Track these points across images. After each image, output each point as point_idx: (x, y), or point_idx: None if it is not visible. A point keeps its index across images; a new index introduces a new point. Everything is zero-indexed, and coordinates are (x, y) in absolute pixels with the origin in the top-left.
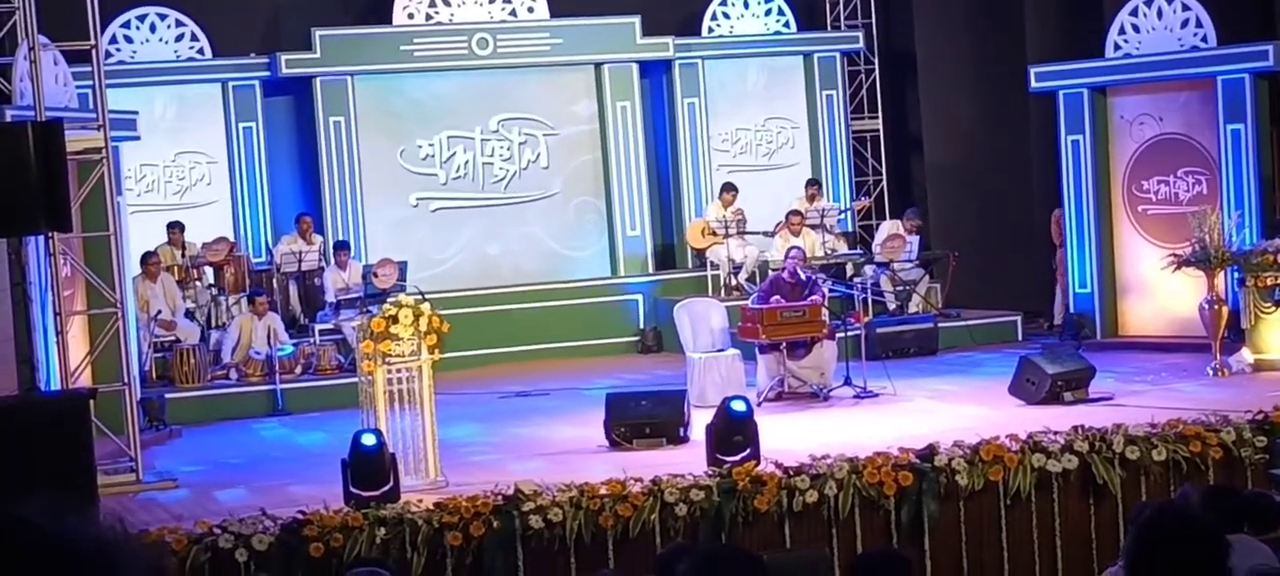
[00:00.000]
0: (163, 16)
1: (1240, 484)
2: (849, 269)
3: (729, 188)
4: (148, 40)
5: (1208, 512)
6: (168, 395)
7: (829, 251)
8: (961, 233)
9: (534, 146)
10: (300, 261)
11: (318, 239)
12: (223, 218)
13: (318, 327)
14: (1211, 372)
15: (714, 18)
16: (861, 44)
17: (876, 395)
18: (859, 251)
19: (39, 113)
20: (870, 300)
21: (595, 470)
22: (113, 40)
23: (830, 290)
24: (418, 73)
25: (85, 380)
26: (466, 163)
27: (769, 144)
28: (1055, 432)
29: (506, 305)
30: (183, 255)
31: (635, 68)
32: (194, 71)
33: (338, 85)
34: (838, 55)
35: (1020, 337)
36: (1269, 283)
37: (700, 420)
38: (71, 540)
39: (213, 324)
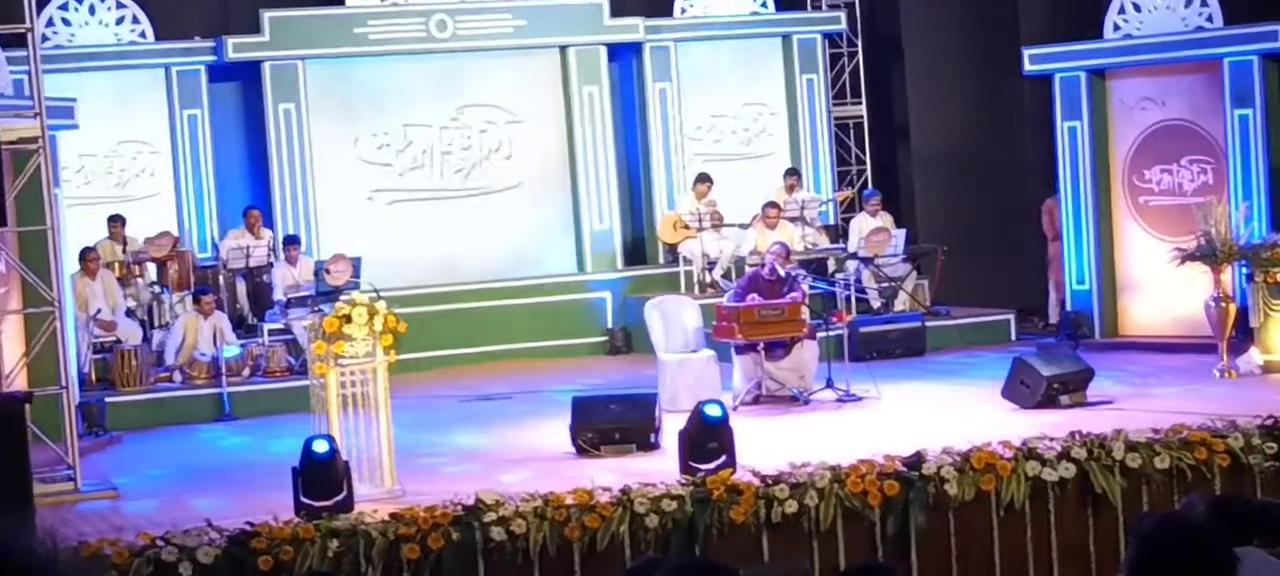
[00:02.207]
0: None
1: (1249, 493)
2: (830, 264)
3: (703, 178)
4: (87, 23)
5: (1214, 524)
6: (108, 399)
7: (809, 246)
8: (950, 226)
9: (496, 135)
10: (248, 257)
11: (267, 233)
12: (166, 211)
13: (266, 327)
14: (1218, 374)
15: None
16: (844, 25)
17: (860, 399)
18: (841, 246)
19: None
20: (853, 298)
21: (561, 478)
22: (50, 23)
23: (810, 287)
24: (373, 57)
25: (20, 383)
26: (424, 152)
27: (745, 132)
28: (1051, 439)
29: (467, 303)
30: (124, 250)
31: (603, 51)
32: (136, 56)
33: (288, 70)
34: (819, 37)
35: (1014, 337)
36: (1278, 278)
37: (672, 425)
38: (7, 546)
39: (155, 323)
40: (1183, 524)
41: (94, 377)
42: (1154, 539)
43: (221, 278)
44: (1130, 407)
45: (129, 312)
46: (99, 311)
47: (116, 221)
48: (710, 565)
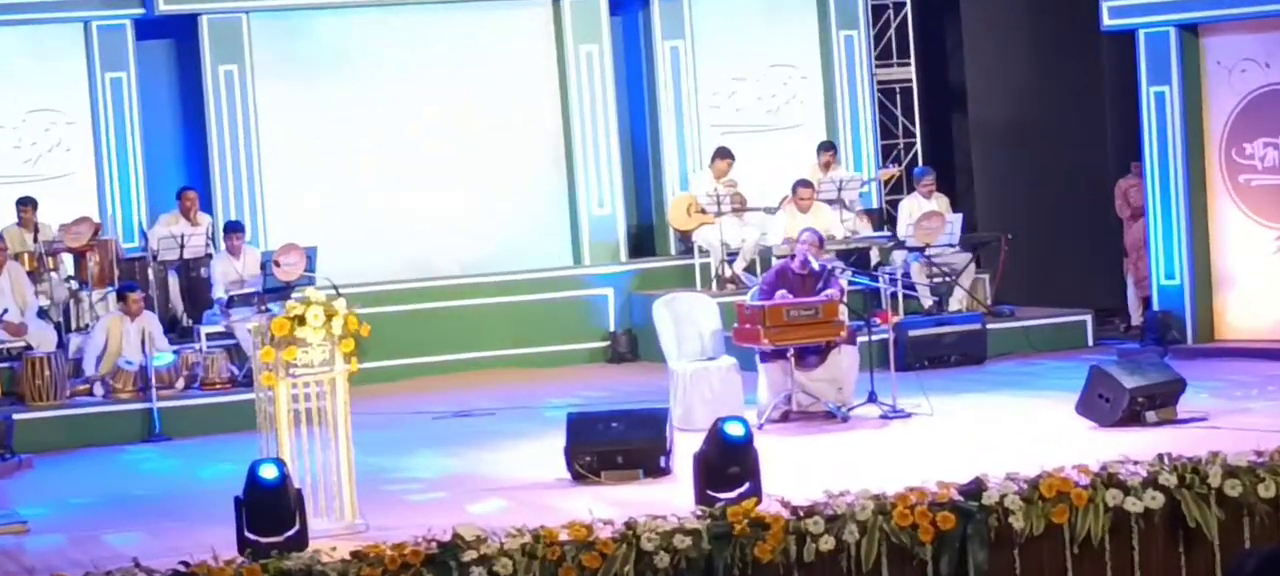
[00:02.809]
0: None
1: None
2: (874, 255)
3: (723, 153)
4: None
5: None
6: (15, 416)
7: (848, 233)
8: (1016, 210)
9: (477, 102)
10: (183, 247)
11: (205, 219)
12: (86, 193)
13: (204, 331)
14: None
15: None
16: None
17: (909, 415)
18: (886, 233)
19: None
20: (901, 295)
21: (554, 510)
22: None
23: (850, 282)
24: (330, 10)
25: None
26: (392, 124)
27: (773, 98)
28: (1135, 462)
29: (442, 303)
30: (35, 240)
31: (604, 3)
32: (49, 8)
33: (230, 26)
34: None
35: (1091, 343)
36: None
37: (686, 447)
38: None
39: (72, 326)
40: None
41: (1, 389)
42: None
43: (151, 271)
44: (1229, 426)
45: (41, 313)
46: (5, 312)
47: (26, 205)
48: None
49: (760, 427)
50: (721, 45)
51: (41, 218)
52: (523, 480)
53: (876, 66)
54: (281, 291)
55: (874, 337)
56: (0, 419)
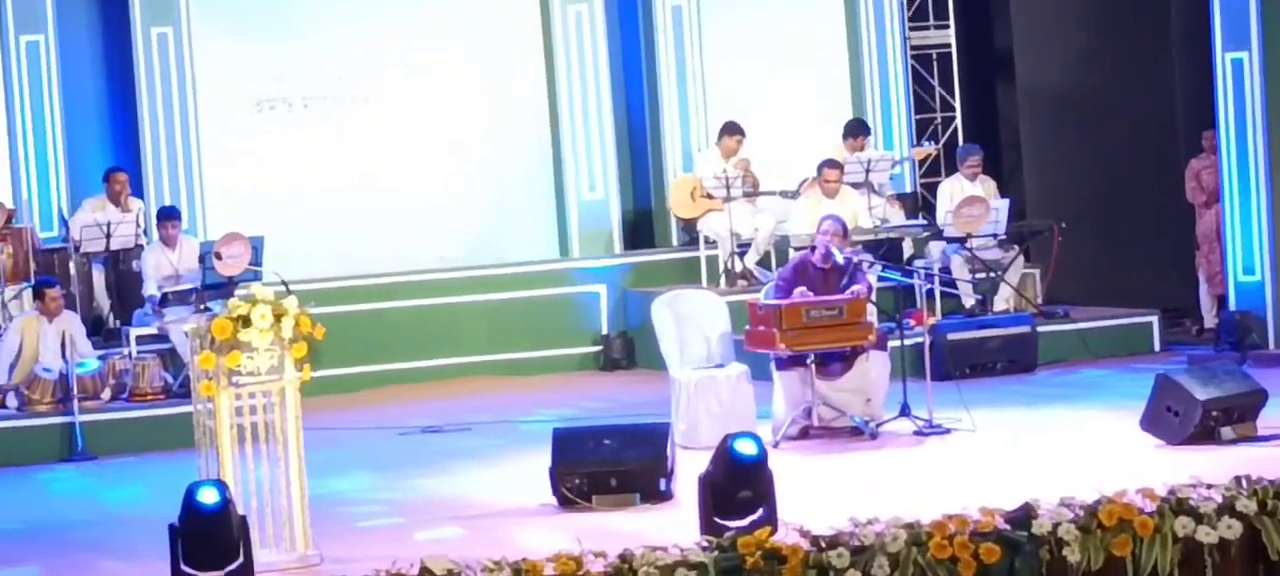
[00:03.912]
0: None
1: None
2: (907, 247)
3: (732, 129)
4: None
5: None
6: None
7: (878, 221)
8: (1071, 195)
9: (449, 70)
10: (109, 237)
11: (135, 204)
12: None
13: (134, 333)
14: None
15: None
16: None
17: (947, 431)
18: (921, 222)
19: None
20: (938, 293)
21: (538, 539)
22: None
23: (880, 278)
24: None
25: None
26: (352, 97)
27: (791, 66)
28: (1209, 486)
29: (409, 301)
30: None
31: None
32: None
33: None
34: None
35: (1157, 347)
36: None
37: (690, 467)
38: None
39: None
40: None
41: None
42: None
43: (73, 265)
44: None
45: None
46: None
47: None
48: None
49: (776, 445)
50: (731, 6)
51: None
52: (502, 505)
53: (910, 29)
54: (223, 288)
55: (907, 342)
56: None
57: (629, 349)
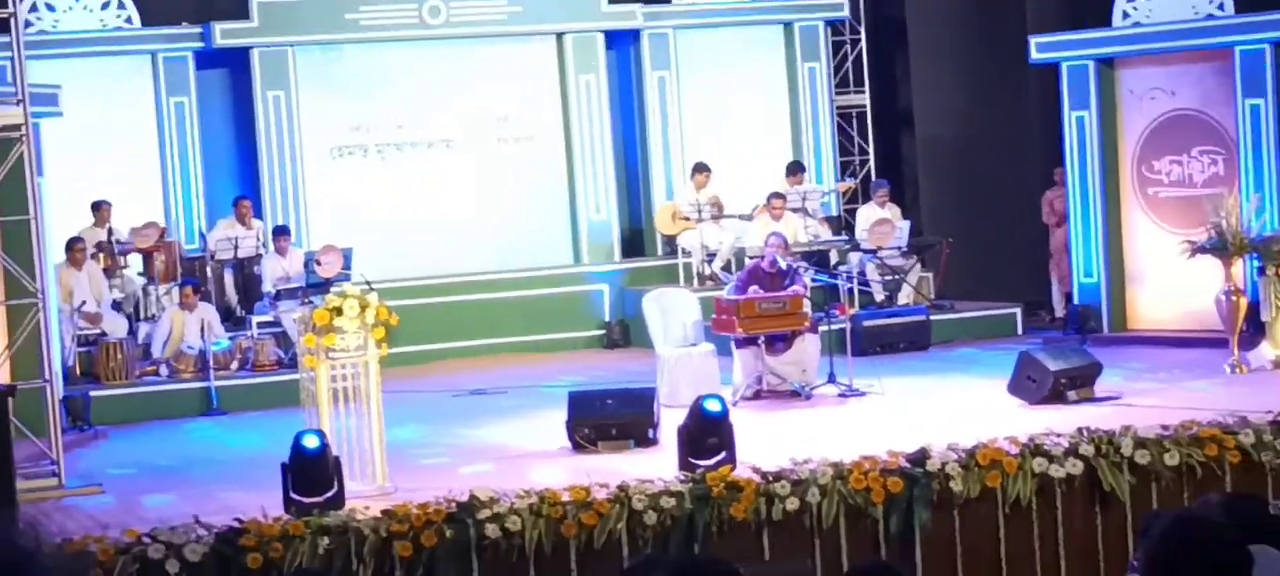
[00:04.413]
0: None
1: (1260, 491)
2: (833, 256)
3: (701, 168)
4: (71, 8)
5: (1229, 523)
6: (92, 393)
7: (812, 237)
8: (956, 218)
9: (490, 122)
10: (237, 248)
11: (256, 224)
12: (153, 201)
13: (255, 320)
14: (1229, 370)
15: None
16: (847, 11)
17: (863, 394)
18: (844, 237)
19: None
20: (856, 290)
21: (557, 475)
22: (33, 9)
23: (813, 280)
24: (364, 43)
25: (3, 376)
26: (417, 142)
27: (746, 120)
28: (1058, 435)
29: (460, 295)
30: (109, 237)
31: (600, 38)
32: (121, 42)
33: (277, 56)
34: (821, 23)
35: (1020, 332)
36: None
37: (671, 421)
38: None
39: (141, 315)
40: (1198, 522)
41: (78, 371)
42: (1171, 536)
43: (209, 269)
44: (1139, 403)
45: (115, 304)
46: (84, 303)
47: (100, 206)
48: (711, 563)
49: (735, 404)
50: (702, 75)
51: (114, 222)
52: (530, 449)
53: (836, 93)
54: (322, 286)
55: (833, 327)
56: (78, 396)
57: (625, 332)
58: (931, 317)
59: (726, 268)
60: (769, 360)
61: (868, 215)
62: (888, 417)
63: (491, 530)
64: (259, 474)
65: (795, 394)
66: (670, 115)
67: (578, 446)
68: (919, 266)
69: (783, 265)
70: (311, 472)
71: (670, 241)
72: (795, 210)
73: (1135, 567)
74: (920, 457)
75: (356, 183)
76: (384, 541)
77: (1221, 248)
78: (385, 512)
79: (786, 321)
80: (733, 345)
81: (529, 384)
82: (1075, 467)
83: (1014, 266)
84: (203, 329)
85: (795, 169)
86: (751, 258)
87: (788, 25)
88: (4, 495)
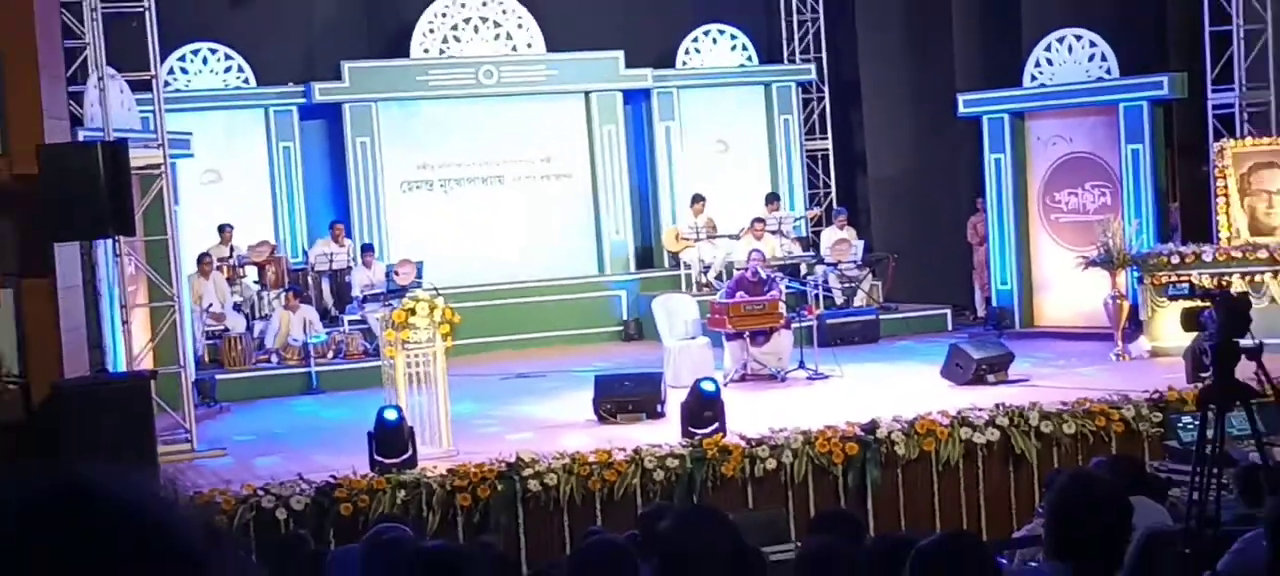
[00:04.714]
0: (213, 51)
1: (1139, 454)
2: (803, 268)
3: (698, 199)
4: (200, 71)
5: (1114, 478)
6: (218, 376)
7: (786, 253)
8: (899, 237)
9: (532, 163)
10: (331, 261)
11: (347, 242)
12: (265, 224)
13: (346, 318)
14: (1114, 358)
15: (687, 52)
16: (814, 75)
17: (827, 377)
18: (811, 254)
19: (107, 133)
20: (821, 295)
21: (585, 441)
22: (170, 71)
23: (786, 287)
24: (433, 99)
25: (147, 363)
26: (475, 177)
27: (734, 161)
28: (980, 409)
29: (509, 299)
30: (231, 253)
31: (619, 96)
32: (240, 98)
33: (363, 110)
34: (793, 85)
35: (950, 327)
36: (1163, 281)
37: (675, 398)
38: (135, 496)
39: (256, 315)
40: (1090, 478)
41: (206, 359)
42: (1067, 490)
43: (309, 278)
44: (1043, 384)
45: (236, 306)
46: (211, 305)
47: (225, 229)
48: (706, 510)
49: (726, 385)
50: (699, 125)
51: (234, 242)
52: (563, 420)
53: (805, 139)
54: (399, 292)
55: (803, 324)
56: (206, 378)
57: (639, 328)
58: (880, 316)
59: (718, 277)
60: (752, 350)
61: (830, 236)
62: (846, 396)
63: (533, 484)
64: (349, 440)
65: (773, 377)
66: (674, 157)
67: (601, 418)
68: (870, 276)
69: (763, 275)
70: (391, 439)
71: (674, 257)
72: (773, 232)
73: (1041, 513)
74: (871, 427)
75: (425, 210)
76: (448, 493)
77: (1108, 261)
78: (449, 470)
79: (766, 320)
80: (724, 338)
81: (562, 369)
82: (993, 435)
83: (945, 276)
84: (304, 325)
85: (772, 199)
86: (738, 269)
87: (767, 86)
88: (148, 457)
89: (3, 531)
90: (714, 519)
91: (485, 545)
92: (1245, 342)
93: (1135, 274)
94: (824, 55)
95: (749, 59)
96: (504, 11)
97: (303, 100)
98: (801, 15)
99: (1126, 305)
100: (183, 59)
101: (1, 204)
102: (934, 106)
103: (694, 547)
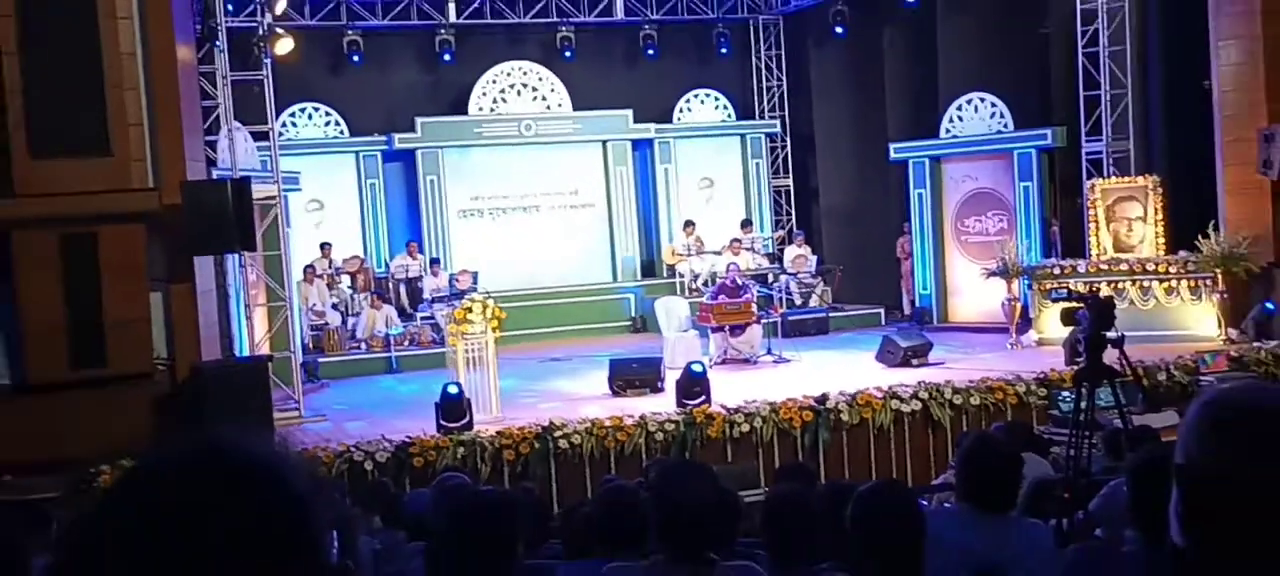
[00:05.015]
0: (317, 108)
1: (1028, 421)
2: (770, 277)
3: (689, 223)
4: (307, 123)
5: (1009, 439)
6: (319, 360)
7: (757, 266)
8: (844, 253)
9: (562, 195)
10: (407, 272)
11: (420, 256)
12: (356, 243)
13: (419, 316)
14: (1009, 347)
15: (681, 111)
16: (778, 128)
17: (789, 361)
18: (777, 265)
19: (234, 172)
20: (784, 298)
21: (602, 410)
22: (283, 124)
23: (758, 292)
24: (485, 147)
25: (264, 349)
26: (517, 206)
27: (717, 195)
28: (906, 386)
29: (543, 300)
30: (330, 266)
31: (629, 144)
32: (337, 146)
33: (432, 155)
34: (763, 136)
35: (883, 323)
36: (1047, 287)
37: (672, 377)
38: (259, 451)
39: (349, 313)
40: (991, 438)
41: (311, 346)
42: (973, 448)
43: (391, 284)
44: (956, 367)
45: (333, 306)
46: (314, 305)
47: (326, 247)
48: (695, 464)
49: (711, 367)
50: (691, 167)
51: (332, 255)
52: (585, 394)
53: (772, 178)
54: (460, 295)
55: (770, 320)
56: (311, 361)
57: (644, 323)
58: (829, 314)
59: (705, 284)
60: (731, 340)
61: (791, 252)
62: (803, 376)
63: (562, 443)
64: (421, 409)
65: (747, 361)
66: (671, 192)
67: (615, 392)
68: (822, 283)
69: (739, 282)
70: (453, 408)
71: (671, 268)
72: (747, 249)
73: (953, 466)
74: (823, 399)
75: (479, 232)
76: (497, 450)
77: (1005, 272)
78: (498, 432)
79: (741, 317)
80: (709, 331)
81: (584, 355)
82: (916, 406)
83: (879, 283)
84: (386, 321)
85: (747, 224)
86: (720, 278)
87: (743, 137)
88: (266, 422)
89: (164, 480)
90: (698, 469)
91: (526, 490)
92: (1110, 335)
93: (1026, 282)
94: (786, 113)
95: (728, 116)
96: (540, 79)
97: (385, 147)
98: (769, 82)
99: (1019, 306)
100: (293, 114)
101: (154, 227)
102: (871, 152)
103: (685, 493)
